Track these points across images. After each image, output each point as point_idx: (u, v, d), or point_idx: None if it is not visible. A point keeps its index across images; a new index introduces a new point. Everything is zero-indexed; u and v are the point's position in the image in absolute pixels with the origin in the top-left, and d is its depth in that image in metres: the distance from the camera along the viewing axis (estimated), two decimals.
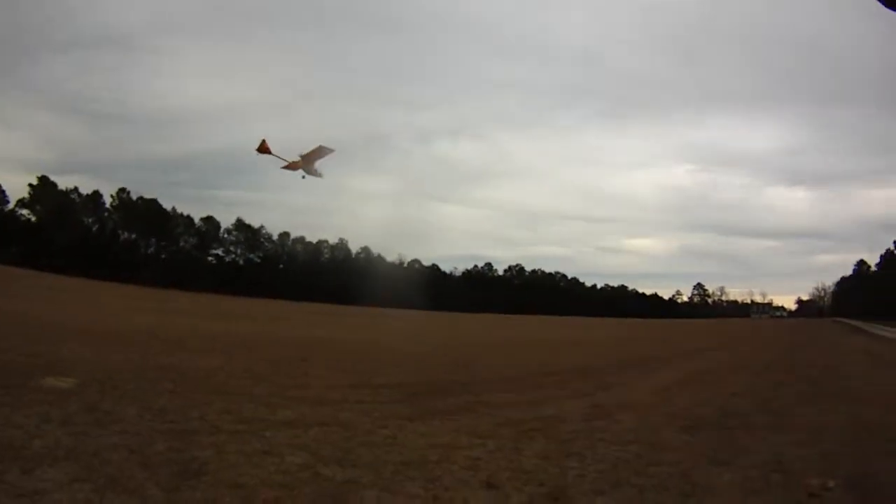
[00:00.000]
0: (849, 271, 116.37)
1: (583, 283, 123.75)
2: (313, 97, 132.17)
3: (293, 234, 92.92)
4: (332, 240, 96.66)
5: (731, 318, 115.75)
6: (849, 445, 5.92)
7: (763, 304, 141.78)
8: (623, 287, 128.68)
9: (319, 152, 14.61)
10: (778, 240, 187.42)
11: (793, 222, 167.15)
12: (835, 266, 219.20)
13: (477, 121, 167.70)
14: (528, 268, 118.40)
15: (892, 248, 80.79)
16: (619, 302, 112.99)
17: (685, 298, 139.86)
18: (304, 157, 14.54)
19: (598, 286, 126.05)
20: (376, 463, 4.87)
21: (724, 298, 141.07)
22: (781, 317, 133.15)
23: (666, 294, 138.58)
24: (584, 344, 24.97)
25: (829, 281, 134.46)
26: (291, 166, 14.77)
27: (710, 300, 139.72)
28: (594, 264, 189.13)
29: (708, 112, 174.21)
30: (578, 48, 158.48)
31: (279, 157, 14.78)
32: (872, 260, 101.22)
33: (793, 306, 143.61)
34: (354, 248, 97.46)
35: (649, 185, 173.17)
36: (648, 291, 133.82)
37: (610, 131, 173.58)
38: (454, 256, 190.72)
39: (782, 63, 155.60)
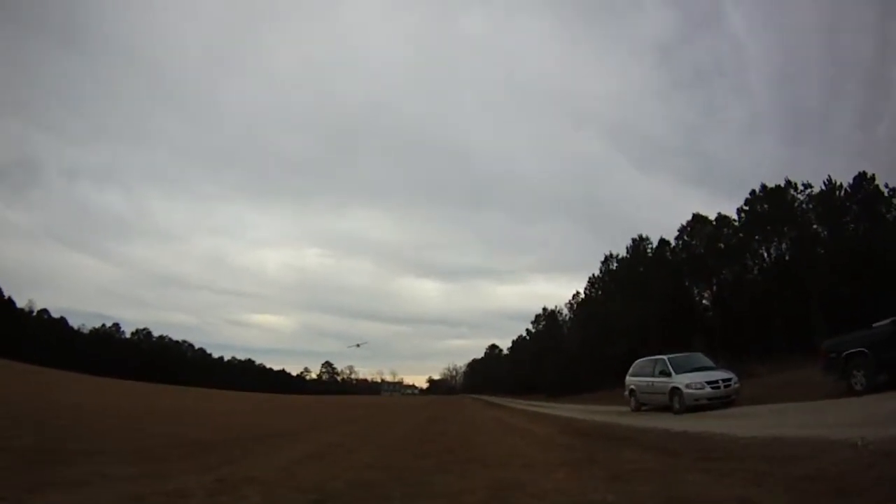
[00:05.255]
0: (481, 354, 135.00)
1: (210, 354, 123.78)
2: None
3: None
4: None
5: (362, 394, 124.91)
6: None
7: (394, 383, 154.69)
8: (250, 361, 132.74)
9: None
10: (407, 325, 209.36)
11: (422, 309, 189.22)
12: (466, 349, 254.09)
13: (125, 170, 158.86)
14: (156, 333, 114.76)
15: (523, 334, 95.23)
16: (247, 375, 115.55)
17: (314, 375, 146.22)
18: None
19: (226, 358, 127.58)
20: None
21: (353, 377, 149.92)
22: (413, 394, 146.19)
23: (294, 370, 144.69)
24: (211, 416, 23.96)
25: (461, 362, 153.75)
26: None
27: (339, 378, 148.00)
28: (221, 336, 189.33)
29: (349, 203, 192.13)
30: (242, 122, 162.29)
31: None
32: (505, 344, 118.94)
33: (424, 384, 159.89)
34: None
35: (280, 263, 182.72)
36: (276, 367, 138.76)
37: (250, 206, 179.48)
38: (83, 312, 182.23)
39: (427, 169, 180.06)
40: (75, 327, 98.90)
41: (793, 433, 8.12)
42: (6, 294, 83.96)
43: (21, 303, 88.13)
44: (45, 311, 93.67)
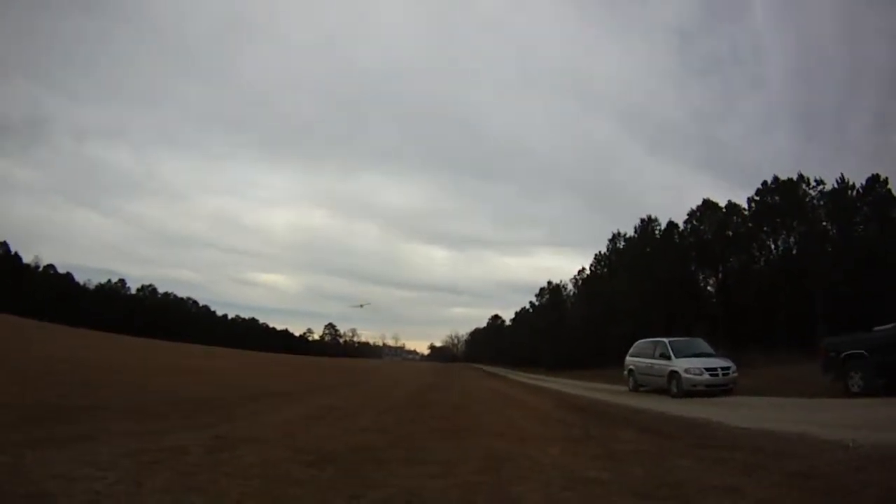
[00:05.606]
0: (483, 323, 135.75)
1: (214, 312, 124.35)
2: None
3: None
4: None
5: (363, 357, 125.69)
6: (485, 474, 5.87)
7: (395, 348, 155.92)
8: (254, 320, 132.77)
9: None
10: (412, 290, 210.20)
11: (428, 276, 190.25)
12: (469, 317, 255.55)
13: (135, 129, 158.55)
14: (161, 289, 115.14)
15: (527, 306, 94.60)
16: (251, 334, 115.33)
17: (316, 336, 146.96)
18: None
19: (230, 316, 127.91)
20: None
21: (355, 339, 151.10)
22: (414, 360, 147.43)
23: (297, 331, 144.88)
24: (213, 374, 24.34)
25: (464, 330, 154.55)
26: None
27: (341, 340, 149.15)
28: (226, 294, 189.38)
29: (358, 167, 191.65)
30: (254, 84, 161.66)
31: None
32: (508, 315, 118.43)
33: (426, 351, 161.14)
34: None
35: (287, 223, 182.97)
36: (279, 326, 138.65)
37: (259, 167, 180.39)
38: (89, 268, 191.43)
39: (438, 138, 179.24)
40: (81, 283, 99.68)
41: (787, 428, 8.20)
42: (12, 249, 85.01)
43: (27, 258, 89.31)
44: (51, 266, 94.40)
